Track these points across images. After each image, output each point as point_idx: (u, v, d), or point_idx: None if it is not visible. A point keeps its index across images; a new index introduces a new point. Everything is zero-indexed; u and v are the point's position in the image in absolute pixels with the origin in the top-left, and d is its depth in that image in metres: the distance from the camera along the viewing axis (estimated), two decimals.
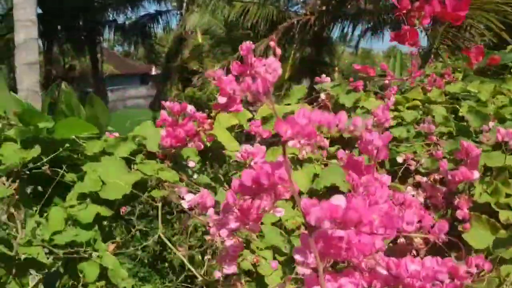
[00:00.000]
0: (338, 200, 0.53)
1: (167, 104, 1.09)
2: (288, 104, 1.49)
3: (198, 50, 12.82)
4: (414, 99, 1.49)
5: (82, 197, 1.03)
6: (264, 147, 1.11)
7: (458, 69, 1.83)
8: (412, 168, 1.22)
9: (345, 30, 11.93)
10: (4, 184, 0.86)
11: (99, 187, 1.01)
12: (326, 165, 1.40)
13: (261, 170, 0.58)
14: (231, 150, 1.34)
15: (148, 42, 14.34)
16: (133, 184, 1.05)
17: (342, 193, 1.33)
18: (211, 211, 0.89)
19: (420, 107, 1.49)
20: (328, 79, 1.42)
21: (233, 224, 0.76)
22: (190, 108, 1.07)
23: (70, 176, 1.05)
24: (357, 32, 12.43)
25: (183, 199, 1.01)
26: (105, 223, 1.07)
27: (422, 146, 1.31)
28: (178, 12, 14.31)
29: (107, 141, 1.12)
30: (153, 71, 17.45)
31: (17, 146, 0.94)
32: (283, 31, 11.53)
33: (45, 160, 0.95)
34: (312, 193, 1.35)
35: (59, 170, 1.03)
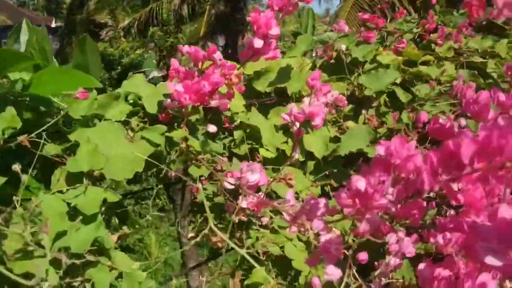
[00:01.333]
0: None
1: (185, 48, 0.82)
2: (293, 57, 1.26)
3: (106, 1, 11.88)
4: (426, 54, 1.34)
5: (74, 178, 0.74)
6: (323, 105, 0.90)
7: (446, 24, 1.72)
8: None
9: None
10: None
11: (102, 164, 0.74)
12: (340, 127, 1.23)
13: (501, 136, 0.38)
14: (235, 111, 1.10)
15: None
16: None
17: (368, 159, 1.10)
18: (290, 195, 0.67)
19: (431, 62, 1.36)
20: (347, 28, 1.21)
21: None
22: (218, 54, 0.81)
23: (52, 149, 0.76)
24: None
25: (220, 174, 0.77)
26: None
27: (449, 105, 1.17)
28: None
29: (97, 100, 0.83)
30: (53, 24, 15.89)
31: None
32: None
33: (41, 129, 0.65)
34: (328, 161, 1.17)
35: (38, 140, 0.74)
